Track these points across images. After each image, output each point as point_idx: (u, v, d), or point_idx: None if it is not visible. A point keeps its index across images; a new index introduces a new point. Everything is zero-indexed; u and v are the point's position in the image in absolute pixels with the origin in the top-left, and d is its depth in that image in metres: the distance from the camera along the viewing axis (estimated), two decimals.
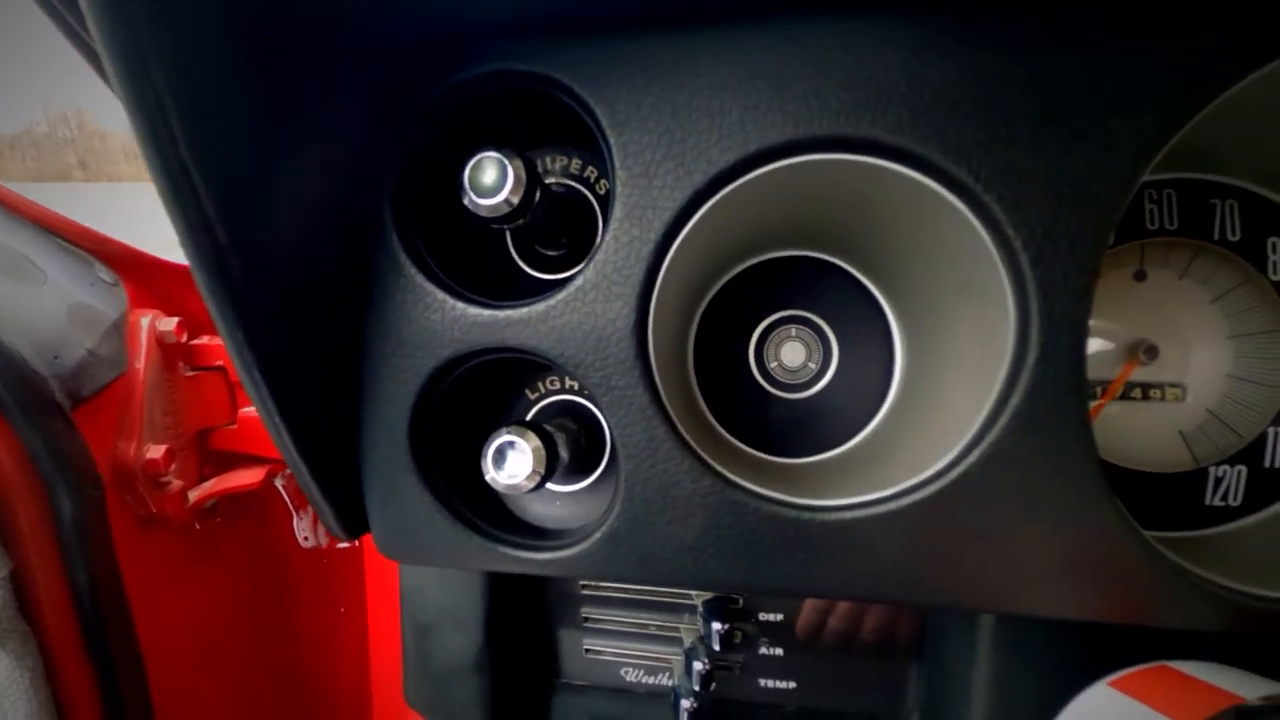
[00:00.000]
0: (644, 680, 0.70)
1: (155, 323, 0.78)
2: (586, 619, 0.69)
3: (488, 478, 0.43)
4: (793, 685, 0.68)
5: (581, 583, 0.68)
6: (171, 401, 0.81)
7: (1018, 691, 0.54)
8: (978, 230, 0.39)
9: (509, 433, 0.43)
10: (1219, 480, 0.57)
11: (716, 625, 0.61)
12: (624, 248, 0.40)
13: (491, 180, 0.39)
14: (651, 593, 0.67)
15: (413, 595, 0.63)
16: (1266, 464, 0.56)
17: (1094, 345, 0.59)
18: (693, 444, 0.43)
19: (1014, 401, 0.38)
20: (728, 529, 0.44)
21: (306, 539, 1.04)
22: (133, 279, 0.79)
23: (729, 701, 0.69)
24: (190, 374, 0.84)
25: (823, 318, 0.59)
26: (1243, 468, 0.57)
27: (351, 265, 0.44)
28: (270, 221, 0.36)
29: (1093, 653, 0.51)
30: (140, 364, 0.76)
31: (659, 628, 0.68)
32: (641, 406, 0.42)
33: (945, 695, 0.61)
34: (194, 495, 0.81)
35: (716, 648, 0.62)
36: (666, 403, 0.43)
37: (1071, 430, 0.38)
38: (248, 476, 0.87)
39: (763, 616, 0.66)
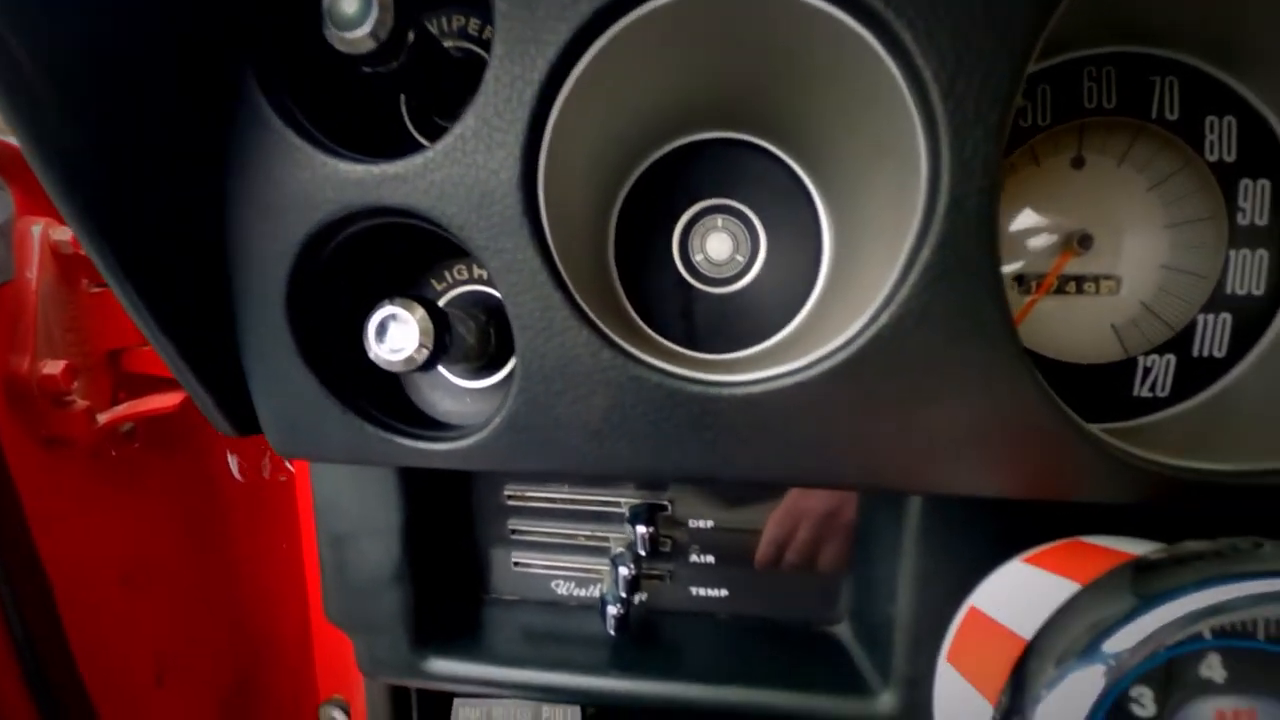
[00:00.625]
0: (575, 593, 0.68)
1: (48, 231, 0.73)
2: (514, 532, 0.67)
3: (371, 354, 0.40)
4: (724, 593, 0.66)
5: (508, 493, 0.65)
6: (73, 318, 0.76)
7: (941, 588, 0.53)
8: (890, 69, 0.36)
9: (391, 304, 0.39)
10: (1148, 370, 0.56)
11: (641, 529, 0.60)
12: (505, 89, 0.37)
13: (353, 9, 0.34)
14: (580, 502, 0.65)
15: (326, 503, 0.60)
16: (1195, 353, 0.55)
17: (1032, 239, 0.57)
18: (590, 314, 0.40)
19: (924, 255, 0.36)
20: (632, 409, 0.42)
21: (241, 472, 1.01)
22: (21, 184, 0.73)
23: (660, 611, 0.68)
24: (95, 290, 0.78)
25: (750, 206, 0.56)
26: (1171, 357, 0.55)
27: (201, 112, 0.39)
28: (77, 28, 0.31)
29: (1018, 545, 0.50)
30: (32, 274, 0.71)
31: (588, 538, 0.66)
32: (532, 271, 0.39)
33: (873, 597, 0.61)
34: (104, 418, 0.77)
35: (643, 552, 0.60)
36: (561, 267, 0.40)
37: (984, 285, 0.36)
38: (164, 400, 0.82)
39: (693, 523, 0.65)
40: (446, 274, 0.53)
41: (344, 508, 0.61)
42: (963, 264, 0.36)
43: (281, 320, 0.42)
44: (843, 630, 0.66)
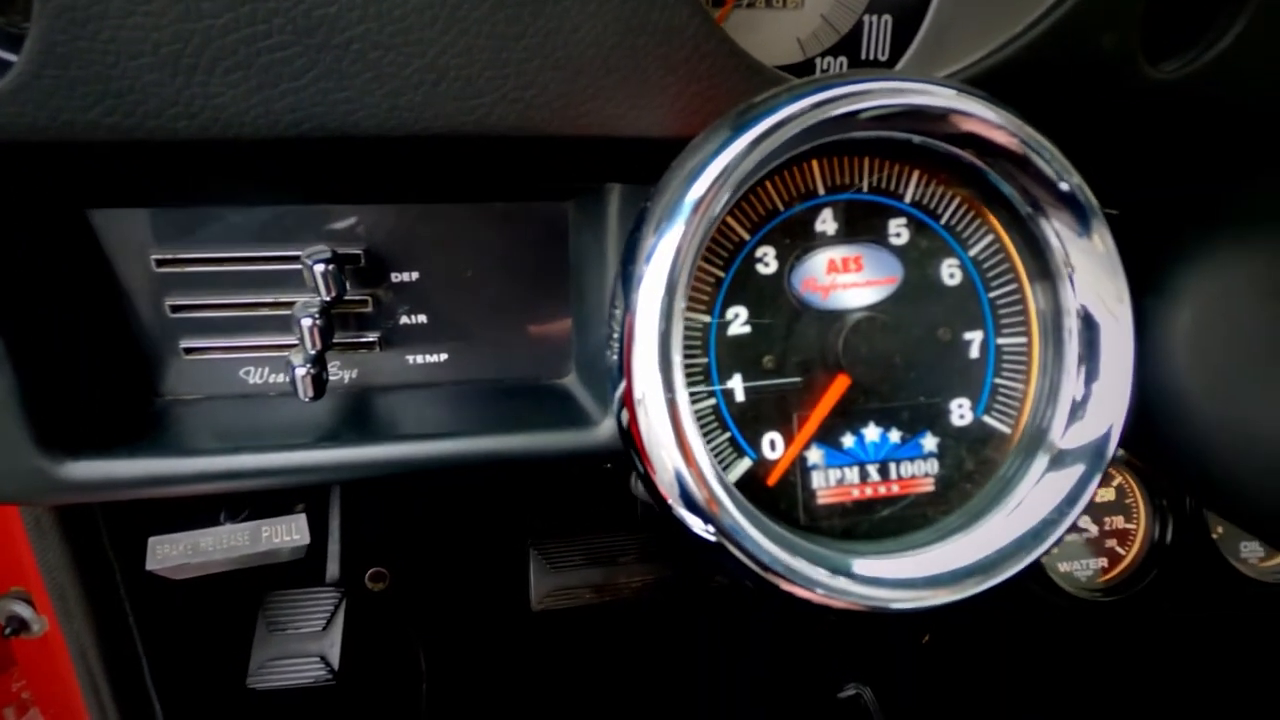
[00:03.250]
0: (273, 379, 0.59)
1: None
2: (175, 309, 0.55)
3: None
4: (444, 358, 0.62)
5: (154, 255, 0.54)
6: None
7: None
8: None
9: None
10: (824, 72, 0.58)
11: (320, 267, 0.52)
12: None
13: None
14: (253, 260, 0.55)
15: None
16: (863, 55, 0.58)
17: None
18: None
19: None
20: (215, 17, 0.33)
21: None
22: None
23: (379, 386, 0.61)
24: None
25: None
26: (844, 59, 0.58)
27: None
28: None
29: None
30: None
31: (273, 306, 0.57)
32: None
33: (592, 338, 0.59)
34: None
35: (328, 296, 0.52)
36: None
37: None
38: None
39: (395, 277, 0.58)
40: None
41: None
42: None
43: None
44: (571, 381, 0.64)
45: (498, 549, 0.98)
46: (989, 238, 0.34)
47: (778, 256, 0.33)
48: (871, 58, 0.58)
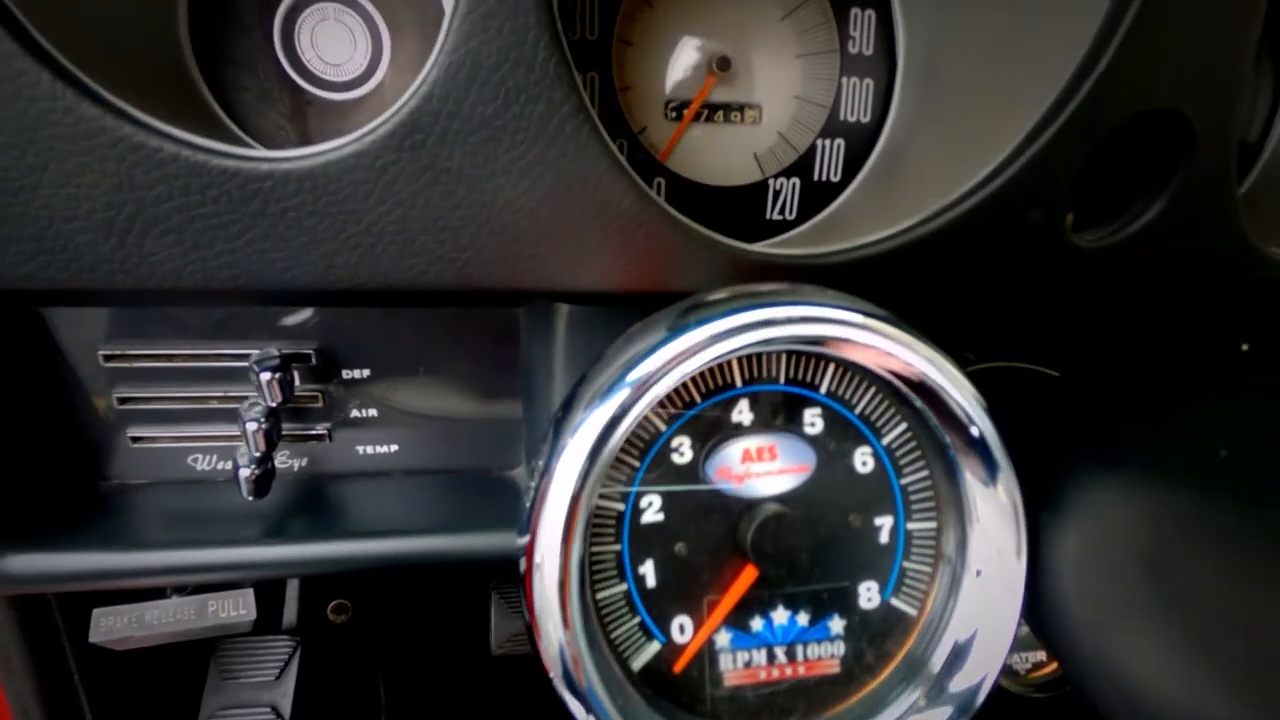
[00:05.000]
0: (220, 466, 0.60)
1: None
2: (123, 400, 0.56)
3: None
4: (395, 449, 0.62)
5: (104, 352, 0.54)
6: None
7: None
8: None
9: None
10: (777, 194, 0.59)
11: (266, 375, 0.52)
12: None
13: None
14: (199, 358, 0.55)
15: None
16: (815, 177, 0.59)
17: (678, 61, 0.57)
18: (54, 52, 0.31)
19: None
20: (149, 189, 0.34)
21: None
22: None
23: (328, 475, 0.62)
24: None
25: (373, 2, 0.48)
26: (796, 180, 0.59)
27: None
28: None
29: None
30: None
31: (221, 400, 0.57)
32: None
33: (538, 434, 0.60)
34: None
35: (273, 403, 0.53)
36: None
37: (535, 27, 0.33)
38: None
39: (346, 374, 0.58)
40: None
41: None
42: (507, 5, 0.32)
43: None
44: (520, 473, 0.65)
45: (460, 590, 0.98)
46: (902, 426, 0.36)
47: (693, 446, 0.34)
48: (824, 179, 0.59)
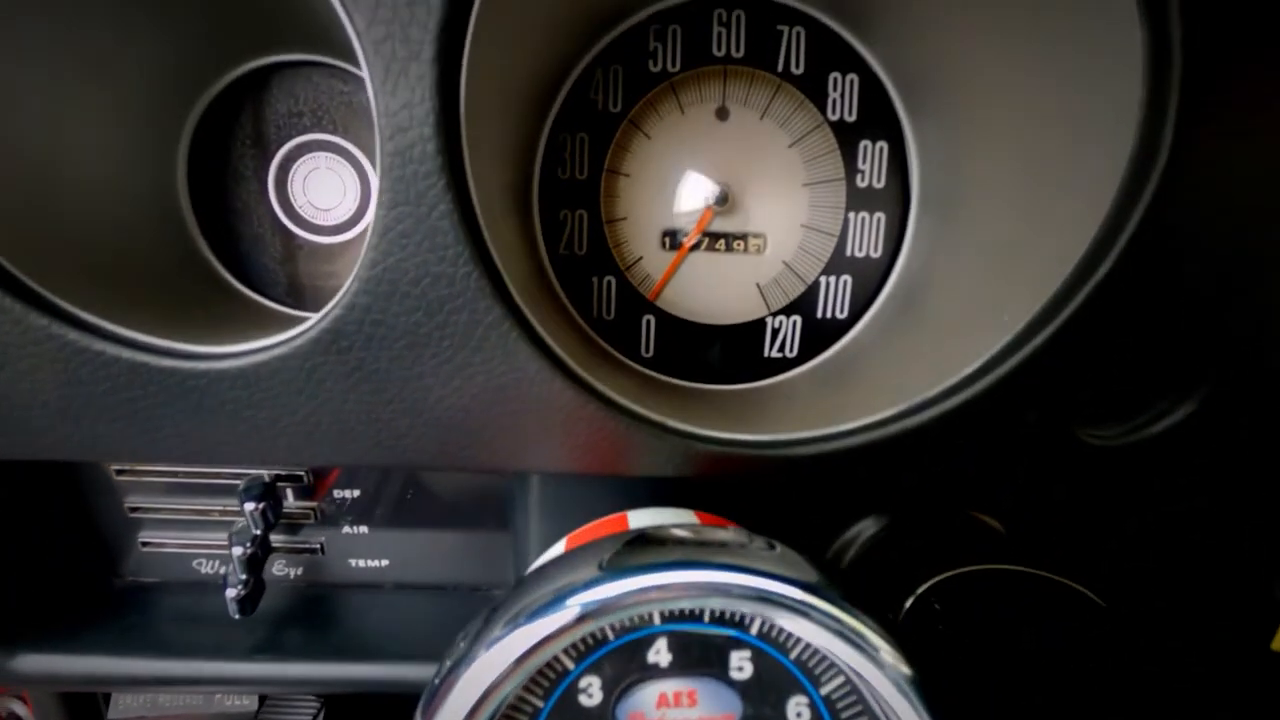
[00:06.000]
0: (222, 570, 0.62)
1: None
2: (134, 510, 0.59)
3: None
4: (385, 563, 0.63)
5: (115, 466, 0.57)
6: None
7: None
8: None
9: None
10: (776, 331, 0.56)
11: (251, 505, 0.54)
12: None
13: None
14: (199, 475, 0.57)
15: None
16: (820, 314, 0.55)
17: (680, 192, 0.55)
18: (8, 266, 0.32)
19: (382, 214, 0.31)
20: (95, 385, 0.35)
21: None
22: None
23: (322, 585, 0.63)
24: None
25: (357, 144, 0.49)
26: (798, 318, 0.55)
27: None
28: None
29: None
30: None
31: (222, 513, 0.59)
32: None
33: (524, 559, 0.59)
34: None
35: (257, 531, 0.54)
36: None
37: (454, 244, 0.32)
38: None
39: (338, 494, 0.59)
40: None
41: None
42: (424, 226, 0.31)
43: None
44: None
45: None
46: (842, 678, 0.32)
47: (604, 688, 0.32)
48: (829, 317, 0.55)
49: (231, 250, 0.50)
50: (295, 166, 0.49)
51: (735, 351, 0.56)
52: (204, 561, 0.62)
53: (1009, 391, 0.37)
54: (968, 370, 0.37)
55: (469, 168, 0.31)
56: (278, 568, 0.62)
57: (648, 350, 0.55)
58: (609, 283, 0.54)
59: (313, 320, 0.34)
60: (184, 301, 0.44)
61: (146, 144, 0.44)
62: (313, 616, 0.62)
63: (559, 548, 0.40)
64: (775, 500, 0.55)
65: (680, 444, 0.38)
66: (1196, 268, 0.35)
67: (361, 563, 0.63)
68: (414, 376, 0.35)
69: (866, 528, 0.55)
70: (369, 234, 0.32)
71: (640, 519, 0.40)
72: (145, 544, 0.61)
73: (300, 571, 0.63)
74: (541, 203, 0.53)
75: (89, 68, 0.38)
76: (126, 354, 0.34)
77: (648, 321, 0.55)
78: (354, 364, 0.34)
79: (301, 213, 0.50)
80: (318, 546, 0.61)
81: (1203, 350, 0.36)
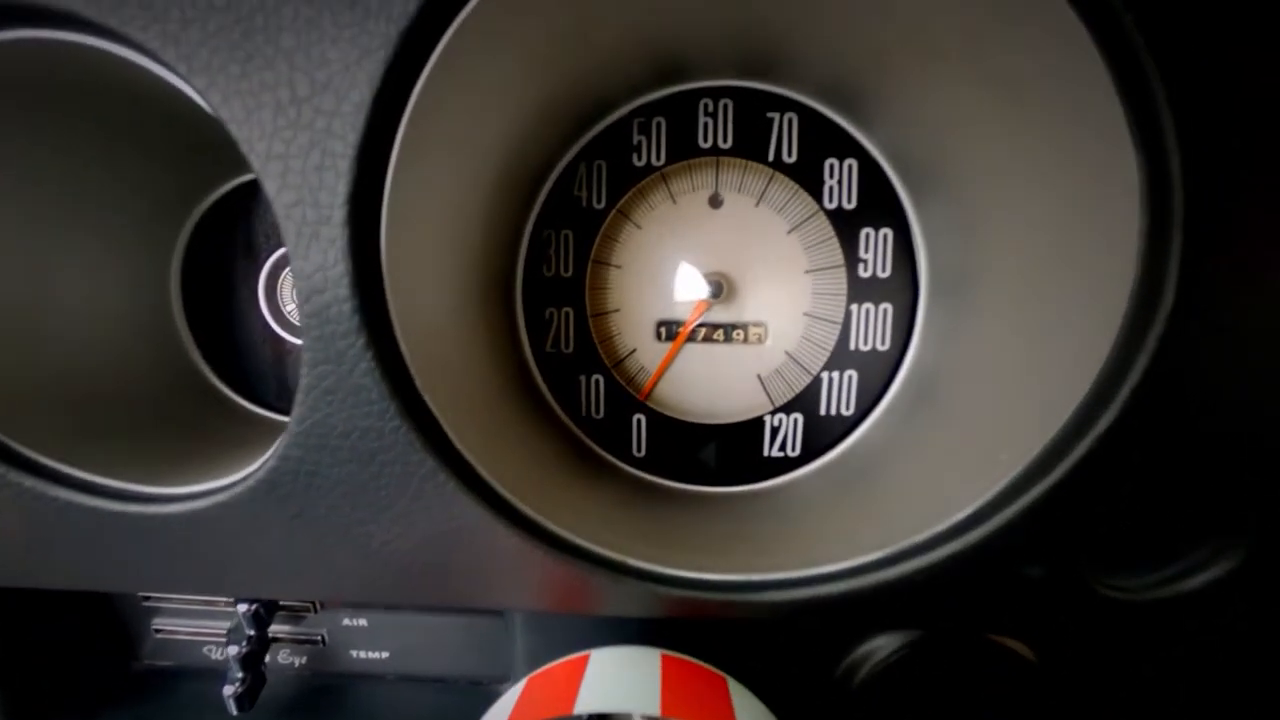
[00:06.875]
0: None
1: None
2: (146, 598, 0.60)
3: None
4: (385, 655, 0.62)
5: None
6: None
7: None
8: None
9: None
10: (775, 430, 0.52)
11: (244, 606, 0.54)
12: None
13: None
14: None
15: None
16: (823, 412, 0.52)
17: (674, 284, 0.53)
18: None
19: (306, 372, 0.30)
20: (54, 524, 0.36)
21: None
22: None
23: (324, 674, 0.63)
24: None
25: None
26: (798, 416, 0.52)
27: None
28: None
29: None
30: None
31: (228, 603, 0.60)
32: None
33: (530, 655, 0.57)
34: None
35: (251, 632, 0.55)
36: None
37: (377, 398, 0.30)
38: None
39: None
40: None
41: None
42: (347, 384, 0.30)
43: None
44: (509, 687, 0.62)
45: None
46: None
47: None
48: (834, 413, 0.51)
49: (224, 358, 0.51)
50: (284, 274, 0.50)
51: (733, 451, 0.53)
52: (214, 649, 0.63)
53: (1008, 540, 0.33)
54: (958, 517, 0.33)
55: (396, 320, 0.30)
56: (282, 656, 0.63)
57: (639, 450, 0.53)
58: (597, 381, 0.52)
59: (251, 469, 0.34)
60: (176, 417, 0.45)
61: (140, 272, 0.45)
62: (315, 708, 0.61)
63: (515, 692, 0.38)
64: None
65: (640, 587, 0.36)
66: (1226, 397, 0.30)
67: (362, 654, 0.62)
68: (355, 523, 0.34)
69: (880, 647, 0.50)
70: (297, 390, 0.31)
71: (600, 664, 0.37)
72: (158, 630, 0.62)
73: (304, 660, 0.63)
74: (525, 300, 0.51)
75: (77, 218, 0.40)
76: (79, 499, 0.35)
77: (638, 421, 0.52)
78: (294, 510, 0.34)
79: (290, 318, 0.50)
80: (319, 638, 0.61)
81: (1240, 495, 0.31)
